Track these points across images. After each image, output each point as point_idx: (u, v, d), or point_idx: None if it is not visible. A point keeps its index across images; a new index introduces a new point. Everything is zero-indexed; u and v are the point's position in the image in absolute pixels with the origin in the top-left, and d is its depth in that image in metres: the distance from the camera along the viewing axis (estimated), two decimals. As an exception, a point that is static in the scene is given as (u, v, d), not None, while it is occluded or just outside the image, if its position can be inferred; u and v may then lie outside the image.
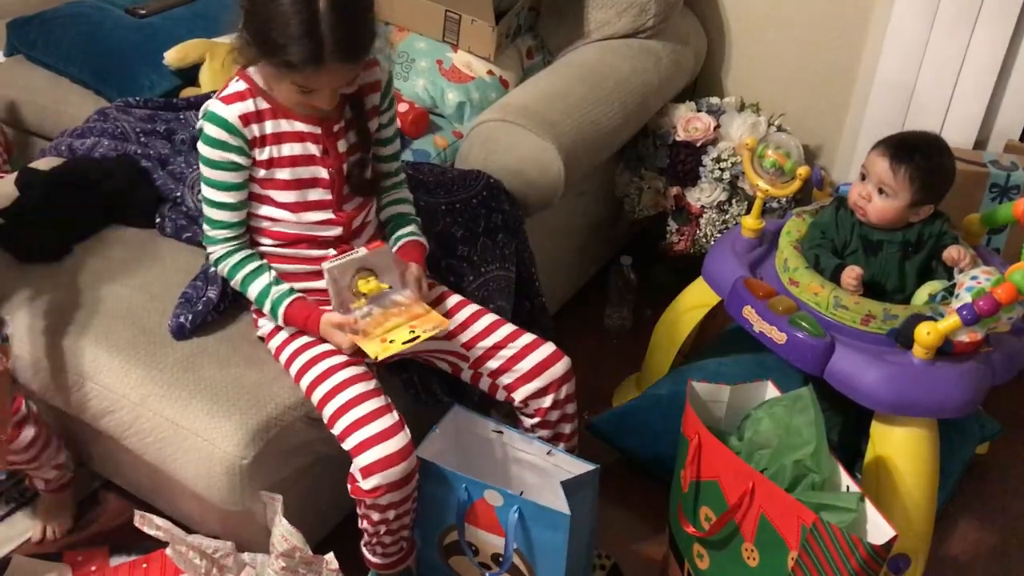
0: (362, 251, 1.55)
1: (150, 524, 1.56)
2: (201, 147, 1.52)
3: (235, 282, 1.59)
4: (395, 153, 1.68)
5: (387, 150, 1.67)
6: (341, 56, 1.39)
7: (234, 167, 1.52)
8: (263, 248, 1.62)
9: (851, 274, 1.71)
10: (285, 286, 1.59)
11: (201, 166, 1.53)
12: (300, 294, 1.59)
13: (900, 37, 2.21)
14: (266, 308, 1.58)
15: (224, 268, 1.59)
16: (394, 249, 1.64)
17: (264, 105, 1.52)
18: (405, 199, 1.71)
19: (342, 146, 1.57)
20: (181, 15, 2.38)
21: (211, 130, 1.50)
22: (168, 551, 1.58)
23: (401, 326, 1.54)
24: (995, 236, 2.09)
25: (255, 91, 1.51)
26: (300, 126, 1.53)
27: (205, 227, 1.58)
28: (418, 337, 1.52)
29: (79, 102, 2.26)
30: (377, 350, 1.51)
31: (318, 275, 1.59)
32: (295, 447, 1.64)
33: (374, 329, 1.53)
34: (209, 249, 1.60)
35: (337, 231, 1.60)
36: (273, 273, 1.59)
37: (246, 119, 1.50)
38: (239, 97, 1.51)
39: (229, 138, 1.50)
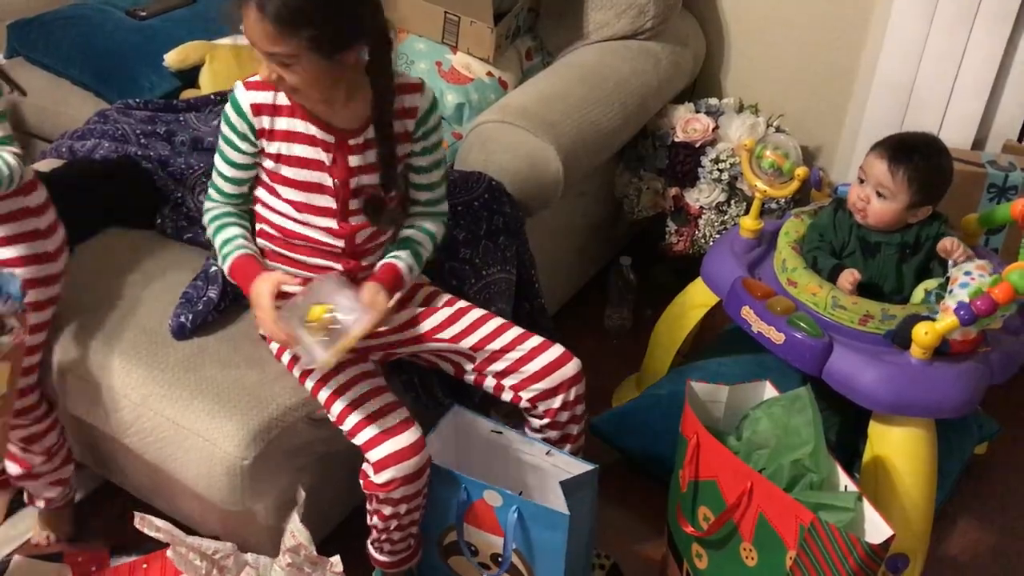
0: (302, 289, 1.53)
1: (150, 526, 1.57)
2: (221, 127, 1.56)
3: (209, 232, 1.61)
4: (429, 184, 1.62)
5: (419, 179, 1.62)
6: (260, 4, 1.35)
7: (236, 149, 1.55)
8: (264, 240, 1.63)
9: (848, 277, 1.71)
10: (248, 242, 1.59)
11: (217, 143, 1.58)
12: (256, 254, 1.58)
13: (899, 38, 2.22)
14: (220, 257, 1.58)
15: (206, 219, 1.62)
16: (376, 269, 1.62)
17: (284, 101, 1.52)
18: (421, 227, 1.64)
19: (355, 161, 1.54)
20: (181, 17, 2.39)
21: (228, 108, 1.53)
22: (168, 553, 1.58)
23: (354, 336, 1.50)
24: (993, 236, 2.09)
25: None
26: (314, 130, 1.52)
27: (208, 187, 1.63)
28: (357, 336, 1.48)
29: (79, 104, 2.27)
30: (327, 363, 1.48)
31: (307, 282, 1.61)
32: (296, 447, 1.64)
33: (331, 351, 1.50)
34: (204, 205, 1.63)
35: (340, 243, 1.59)
36: (246, 233, 1.60)
37: (258, 109, 1.51)
38: (261, 86, 1.52)
39: (237, 122, 1.52)
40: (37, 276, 1.59)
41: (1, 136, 1.48)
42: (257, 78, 1.52)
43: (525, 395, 1.64)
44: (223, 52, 2.24)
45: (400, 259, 1.59)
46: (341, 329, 1.48)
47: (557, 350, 1.64)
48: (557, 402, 1.64)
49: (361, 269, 1.63)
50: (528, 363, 1.63)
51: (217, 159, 1.58)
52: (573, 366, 1.64)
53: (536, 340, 1.64)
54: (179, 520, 1.76)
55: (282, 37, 1.36)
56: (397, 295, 1.59)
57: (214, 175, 1.60)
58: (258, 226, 1.64)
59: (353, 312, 1.50)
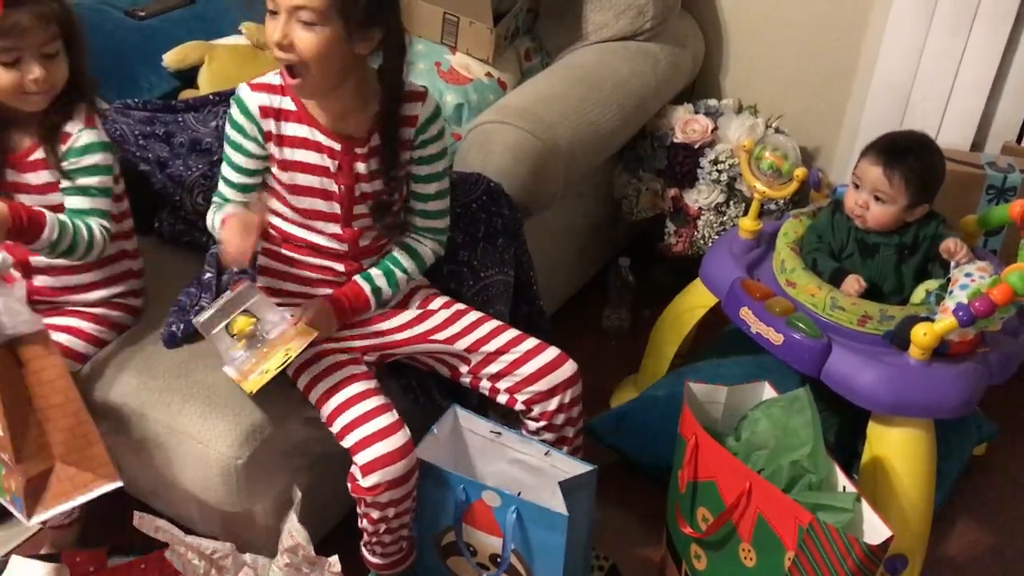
0: (228, 294, 1.54)
1: (149, 525, 1.56)
2: (226, 128, 1.54)
3: (210, 223, 1.57)
4: (424, 195, 1.62)
5: (416, 187, 1.61)
6: None
7: (246, 153, 1.53)
8: (269, 242, 1.63)
9: (854, 285, 1.71)
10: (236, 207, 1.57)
11: (223, 147, 1.56)
12: (242, 211, 1.55)
13: (898, 39, 2.22)
14: (216, 224, 1.53)
15: (210, 218, 1.58)
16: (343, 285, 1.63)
17: (291, 107, 1.52)
18: (413, 250, 1.65)
19: (361, 168, 1.54)
20: (180, 17, 2.38)
21: (234, 112, 1.52)
22: (167, 553, 1.58)
23: (276, 353, 1.51)
24: (992, 238, 2.09)
25: (288, 91, 1.51)
26: (320, 137, 1.52)
27: (214, 196, 1.61)
28: (290, 358, 1.50)
29: (78, 104, 2.27)
30: (252, 386, 1.50)
31: (314, 282, 1.62)
32: (291, 447, 1.64)
33: (253, 368, 1.51)
34: (210, 211, 1.60)
35: (343, 247, 1.60)
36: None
37: (265, 111, 1.51)
38: (268, 88, 1.51)
39: (246, 124, 1.51)
40: (127, 304, 1.73)
41: (100, 209, 1.57)
42: (262, 80, 1.52)
43: (520, 397, 1.64)
44: (222, 52, 2.24)
45: (370, 282, 1.61)
46: (260, 347, 1.51)
47: (552, 352, 1.64)
48: (553, 405, 1.64)
49: (362, 270, 1.64)
50: (523, 365, 1.62)
51: (224, 166, 1.57)
52: (568, 368, 1.63)
53: (532, 342, 1.64)
54: (179, 521, 1.75)
55: None
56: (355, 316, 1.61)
57: (221, 183, 1.58)
58: None
59: (277, 328, 1.52)
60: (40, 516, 1.45)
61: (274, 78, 1.52)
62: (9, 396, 1.40)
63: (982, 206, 2.09)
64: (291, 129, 1.52)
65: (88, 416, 1.48)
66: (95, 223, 1.55)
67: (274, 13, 1.41)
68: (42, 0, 1.46)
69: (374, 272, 1.63)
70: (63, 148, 1.55)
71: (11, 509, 1.49)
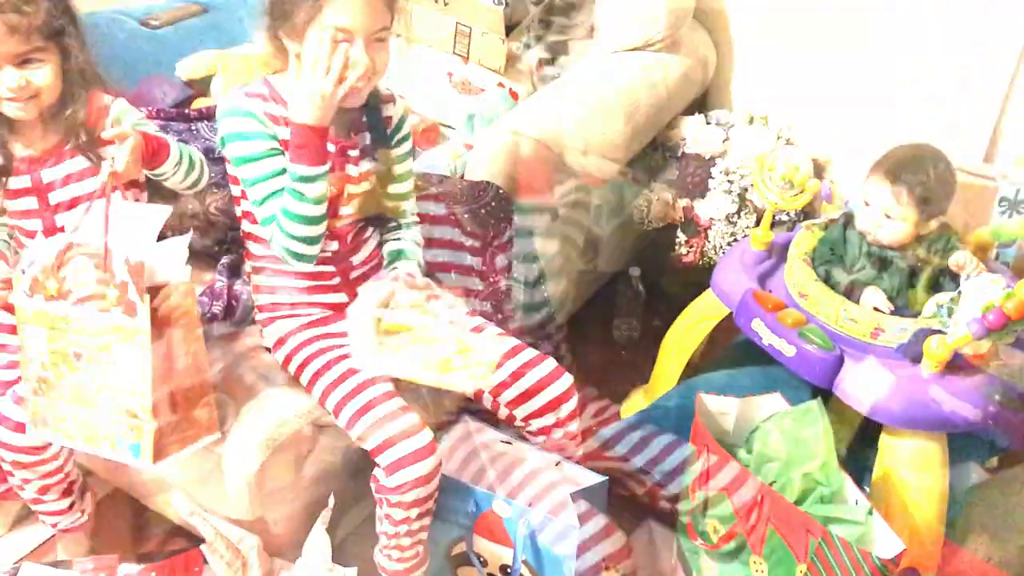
0: (371, 284, 1.54)
1: (185, 508, 1.62)
2: (236, 147, 1.50)
3: (278, 225, 1.49)
4: (404, 194, 1.67)
5: (395, 188, 1.65)
6: None
7: (276, 152, 1.50)
8: (256, 252, 1.63)
9: (879, 298, 1.71)
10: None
11: (243, 168, 1.51)
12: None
13: (907, 49, 2.22)
14: (296, 176, 1.46)
15: (268, 230, 1.52)
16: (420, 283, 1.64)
17: (283, 112, 1.52)
18: (413, 239, 1.70)
19: (353, 171, 1.58)
20: (194, 26, 2.40)
21: (241, 123, 1.50)
22: (203, 547, 1.62)
23: (455, 356, 1.49)
24: (1005, 250, 2.09)
25: (275, 96, 1.53)
26: None
27: (264, 229, 1.53)
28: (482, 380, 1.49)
29: (92, 112, 2.28)
30: (477, 383, 1.47)
31: (307, 290, 1.63)
32: (302, 455, 1.65)
33: (425, 370, 1.49)
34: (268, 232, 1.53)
35: (334, 244, 1.61)
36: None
37: (273, 119, 1.51)
38: (260, 96, 1.53)
39: (263, 128, 1.50)
40: None
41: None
42: (248, 89, 1.53)
43: (519, 414, 1.65)
44: (235, 62, 2.25)
45: (414, 257, 1.67)
46: (433, 342, 1.49)
47: (548, 366, 1.64)
48: (550, 420, 1.65)
49: (353, 268, 1.65)
50: (519, 379, 1.63)
51: (261, 184, 1.50)
52: (562, 384, 1.64)
53: (529, 354, 1.65)
54: (190, 529, 1.76)
55: (386, 5, 1.46)
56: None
57: (268, 204, 1.50)
58: (249, 244, 1.64)
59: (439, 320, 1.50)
60: (162, 462, 1.46)
61: (260, 87, 1.54)
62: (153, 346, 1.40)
63: (995, 218, 2.08)
64: (287, 134, 1.51)
65: (208, 371, 1.49)
66: (194, 152, 1.60)
67: (338, 40, 1.42)
68: (19, 9, 1.41)
69: (408, 249, 1.67)
70: (107, 123, 1.53)
71: (116, 457, 1.46)
